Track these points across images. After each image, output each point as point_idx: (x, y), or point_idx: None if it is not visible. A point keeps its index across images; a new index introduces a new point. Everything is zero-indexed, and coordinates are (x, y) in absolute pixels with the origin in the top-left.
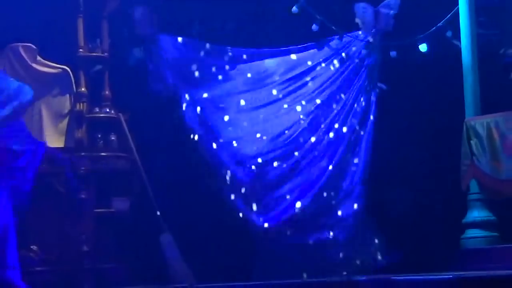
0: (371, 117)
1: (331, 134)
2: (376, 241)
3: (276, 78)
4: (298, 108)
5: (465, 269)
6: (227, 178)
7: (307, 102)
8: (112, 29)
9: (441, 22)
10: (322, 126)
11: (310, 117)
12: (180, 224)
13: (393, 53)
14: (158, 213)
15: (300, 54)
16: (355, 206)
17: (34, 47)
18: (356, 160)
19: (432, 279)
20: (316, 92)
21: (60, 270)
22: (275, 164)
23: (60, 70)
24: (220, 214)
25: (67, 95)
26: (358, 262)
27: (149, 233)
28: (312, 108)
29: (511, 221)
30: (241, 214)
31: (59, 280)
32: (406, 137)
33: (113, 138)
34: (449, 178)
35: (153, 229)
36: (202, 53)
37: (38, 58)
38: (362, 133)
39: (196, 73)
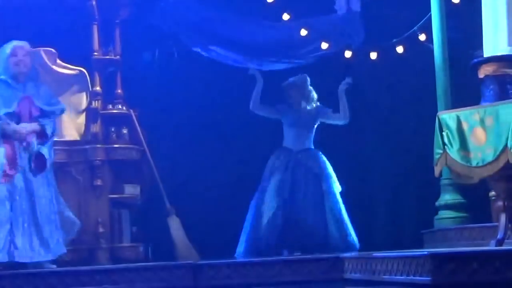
0: None
1: None
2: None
3: None
4: None
5: (438, 246)
6: None
7: None
8: (124, 35)
9: (415, 26)
10: None
11: None
12: (185, 208)
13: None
14: (166, 198)
15: None
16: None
17: (54, 51)
18: None
19: (408, 255)
20: None
21: (80, 249)
22: None
23: (77, 71)
24: (221, 197)
25: (84, 94)
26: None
27: (157, 216)
28: None
29: (479, 203)
30: None
31: (79, 258)
32: (386, 129)
33: (125, 131)
34: (424, 165)
35: (161, 213)
36: None
37: (58, 61)
38: None
39: None
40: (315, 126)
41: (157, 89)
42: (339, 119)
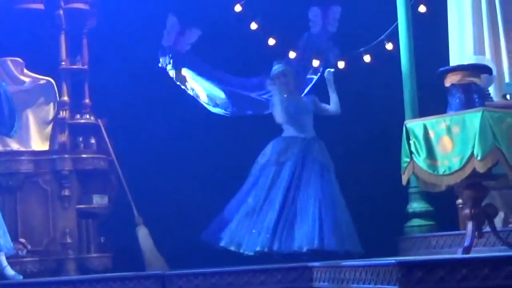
0: None
1: None
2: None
3: None
4: None
5: (406, 254)
6: None
7: None
8: (91, 44)
9: (383, 35)
10: None
11: None
12: (154, 217)
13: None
14: (134, 207)
15: None
16: None
17: (21, 60)
18: None
19: (376, 264)
20: None
21: (47, 260)
22: None
23: (44, 81)
24: (189, 207)
25: (51, 104)
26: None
27: (126, 226)
28: None
29: (446, 211)
30: None
31: (46, 269)
32: (353, 137)
33: (92, 141)
34: (393, 174)
35: (129, 222)
36: None
37: (25, 70)
38: None
39: None
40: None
41: (125, 98)
42: (330, 109)
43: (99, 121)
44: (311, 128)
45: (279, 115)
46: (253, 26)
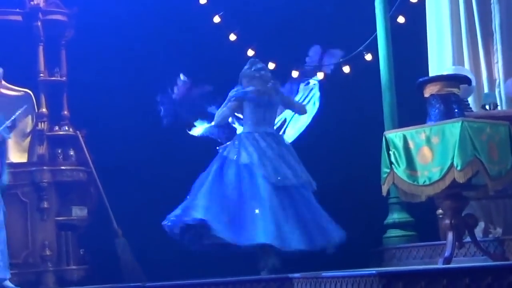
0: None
1: None
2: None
3: None
4: None
5: (387, 265)
6: None
7: None
8: (70, 55)
9: (361, 46)
10: None
11: None
12: (133, 229)
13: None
14: (113, 219)
15: None
16: None
17: None
18: None
19: (357, 274)
20: None
21: (26, 272)
22: None
23: (23, 93)
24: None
25: (30, 115)
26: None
27: (105, 238)
28: None
29: (426, 222)
30: None
31: (26, 281)
32: (333, 148)
33: (71, 153)
34: (372, 184)
35: (108, 234)
36: None
37: (3, 82)
38: None
39: None
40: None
41: (104, 109)
42: (295, 108)
43: (78, 132)
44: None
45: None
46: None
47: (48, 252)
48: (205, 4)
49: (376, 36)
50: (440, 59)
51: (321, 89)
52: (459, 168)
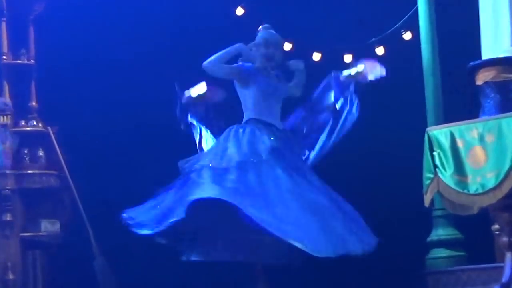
0: None
1: None
2: None
3: None
4: None
5: None
6: None
7: None
8: (39, 34)
9: (399, 23)
10: None
11: None
12: (115, 246)
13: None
14: (92, 234)
15: None
16: None
17: None
18: None
19: None
20: None
21: None
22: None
23: None
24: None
25: None
26: None
27: (81, 257)
28: None
29: (479, 239)
30: None
31: None
32: (363, 148)
33: (41, 153)
34: (412, 193)
35: (86, 253)
36: None
37: None
38: None
39: None
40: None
41: (80, 101)
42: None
43: (49, 128)
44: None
45: None
46: None
47: (11, 276)
48: None
49: (416, 9)
50: (496, 39)
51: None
52: None
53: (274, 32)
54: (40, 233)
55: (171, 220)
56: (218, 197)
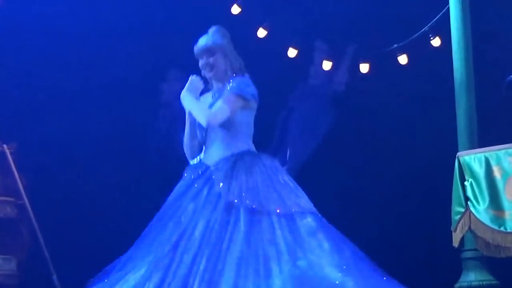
0: None
1: None
2: None
3: None
4: None
5: None
6: None
7: None
8: None
9: (426, 26)
10: None
11: None
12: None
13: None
14: (53, 272)
15: None
16: None
17: None
18: None
19: None
20: None
21: None
22: None
23: None
24: None
25: None
26: None
27: None
28: None
29: None
30: None
31: None
32: (381, 175)
33: None
34: (439, 230)
35: None
36: None
37: None
38: None
39: None
40: None
41: (42, 114)
42: None
43: (5, 147)
44: None
45: None
46: None
47: None
48: None
49: (447, 10)
50: None
51: (365, 87)
52: None
53: (210, 34)
54: None
55: None
56: None
